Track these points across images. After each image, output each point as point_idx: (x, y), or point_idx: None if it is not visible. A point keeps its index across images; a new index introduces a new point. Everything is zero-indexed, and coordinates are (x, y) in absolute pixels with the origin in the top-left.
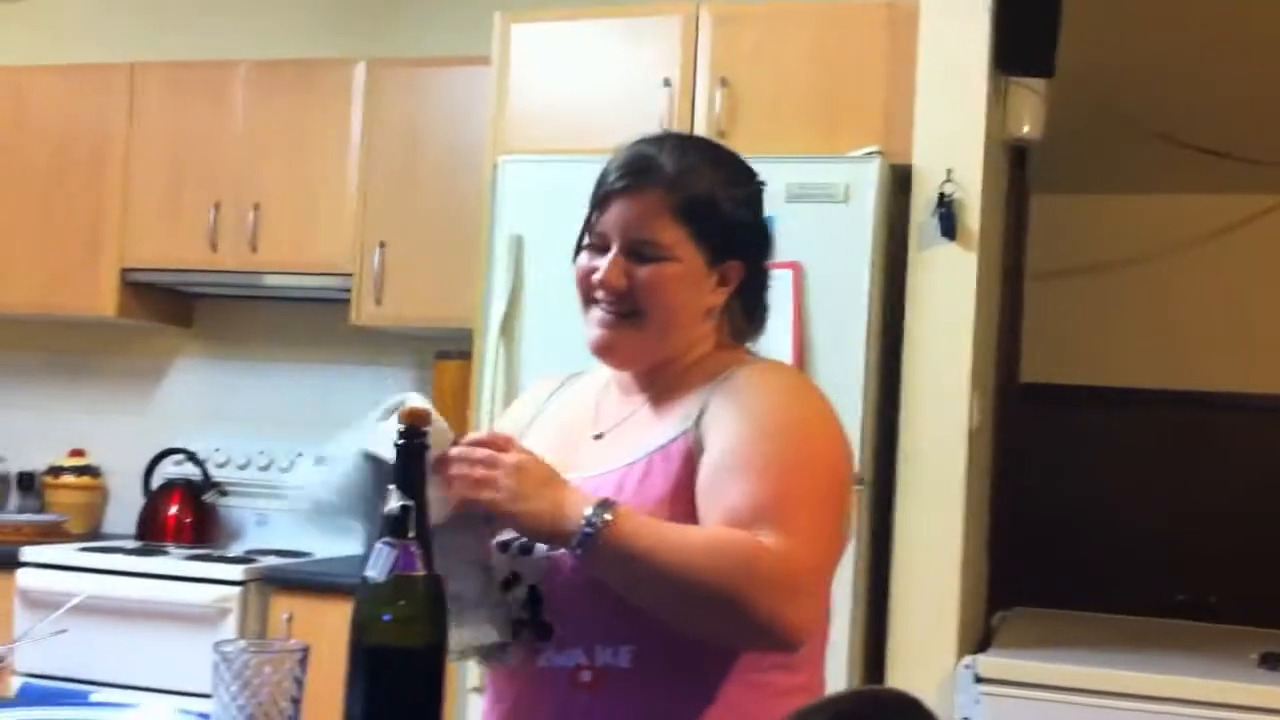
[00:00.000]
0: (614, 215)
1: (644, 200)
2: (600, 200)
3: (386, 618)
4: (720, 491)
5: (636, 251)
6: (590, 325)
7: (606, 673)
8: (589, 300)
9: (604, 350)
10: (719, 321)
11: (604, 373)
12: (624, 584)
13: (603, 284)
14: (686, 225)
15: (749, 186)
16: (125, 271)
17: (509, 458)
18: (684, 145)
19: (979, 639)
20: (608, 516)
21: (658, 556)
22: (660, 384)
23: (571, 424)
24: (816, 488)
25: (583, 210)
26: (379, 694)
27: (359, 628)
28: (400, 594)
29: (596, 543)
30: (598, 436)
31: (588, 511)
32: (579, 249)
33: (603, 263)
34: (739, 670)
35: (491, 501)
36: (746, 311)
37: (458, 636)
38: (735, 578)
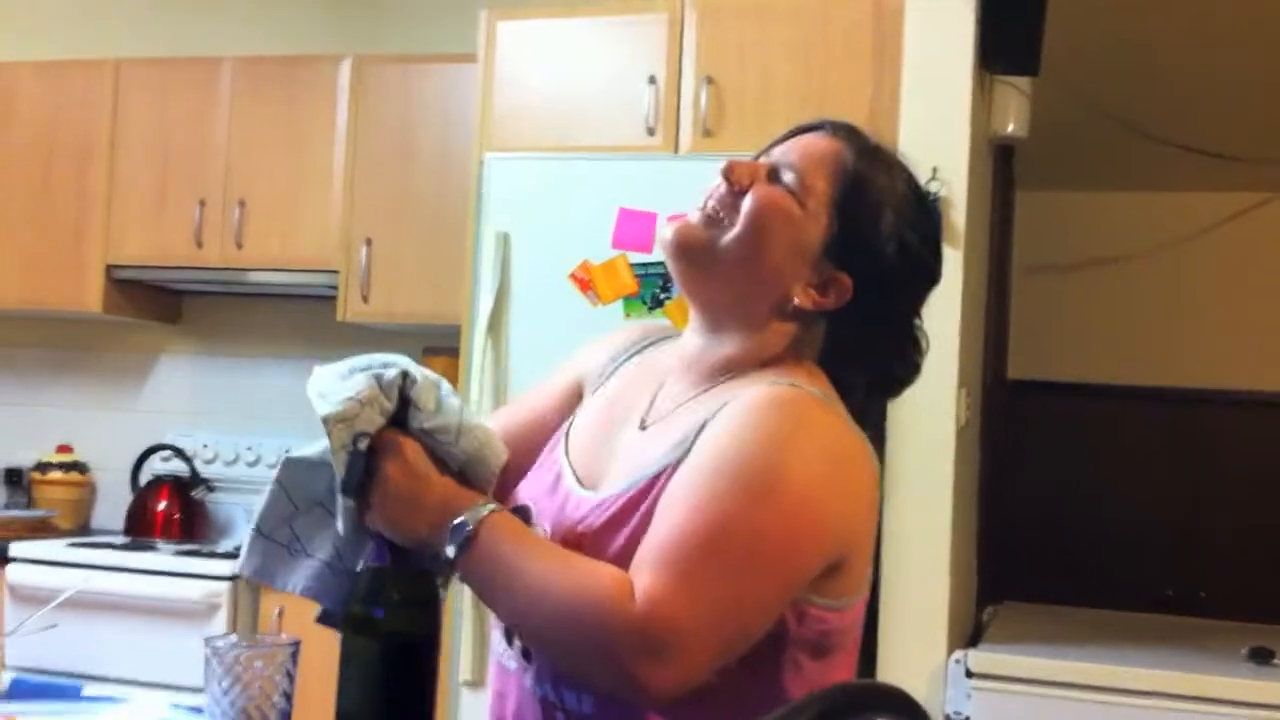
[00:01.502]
0: (788, 143)
1: (824, 142)
2: (789, 134)
3: (379, 612)
4: (658, 518)
5: (777, 173)
6: (673, 223)
7: (578, 715)
8: (705, 199)
9: (676, 240)
10: (803, 341)
11: (684, 345)
12: (481, 594)
13: (727, 169)
14: (838, 190)
15: (923, 248)
16: (111, 268)
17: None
18: (900, 163)
19: (969, 634)
20: (470, 532)
21: (515, 593)
22: (717, 382)
23: (628, 400)
24: (741, 544)
25: (569, 208)
26: (372, 686)
27: (350, 620)
28: (390, 586)
29: (462, 563)
30: (642, 427)
31: (452, 533)
32: None
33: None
34: (715, 714)
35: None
36: (832, 355)
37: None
38: (587, 628)
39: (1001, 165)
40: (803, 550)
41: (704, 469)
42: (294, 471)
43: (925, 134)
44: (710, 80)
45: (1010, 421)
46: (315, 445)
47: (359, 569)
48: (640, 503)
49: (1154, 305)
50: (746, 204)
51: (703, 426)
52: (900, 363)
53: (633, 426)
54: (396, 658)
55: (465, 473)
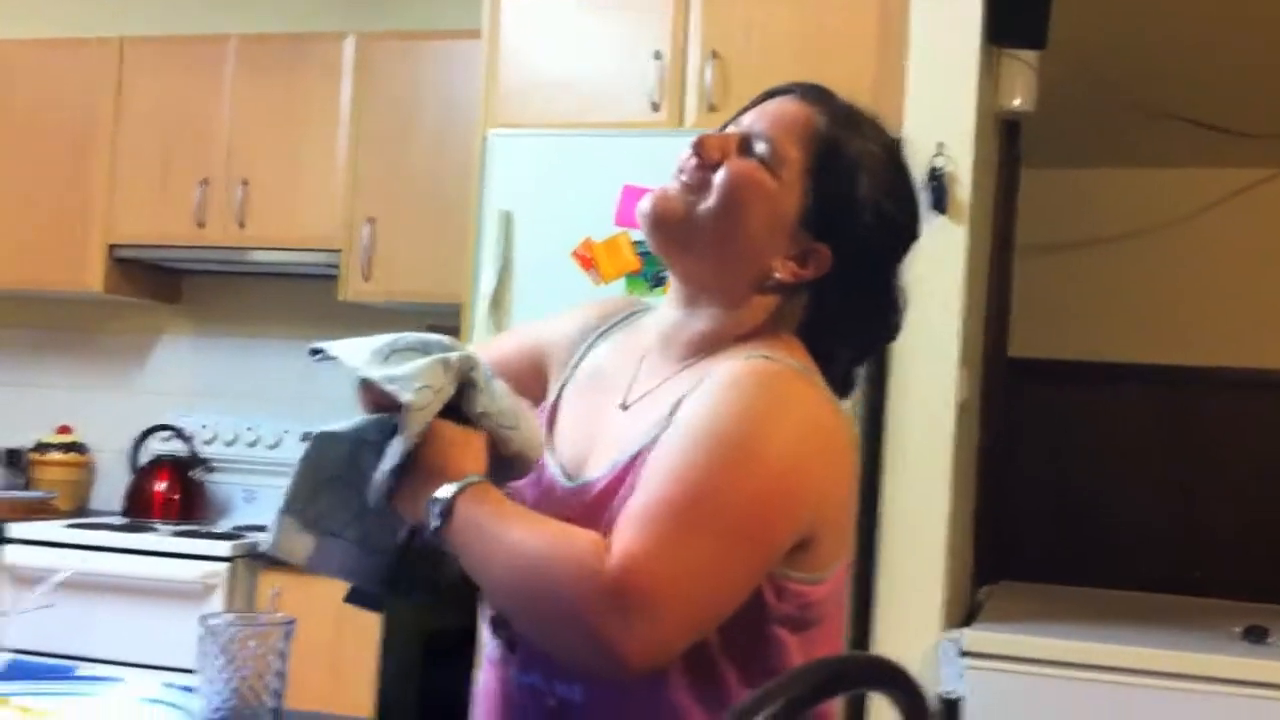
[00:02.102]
0: (759, 109)
1: (795, 108)
2: (760, 98)
3: (417, 595)
4: (638, 487)
5: (749, 144)
6: (650, 193)
7: (568, 704)
8: (678, 169)
9: (652, 215)
10: (782, 313)
11: (661, 320)
12: (466, 565)
13: (697, 144)
14: (811, 159)
15: (902, 212)
16: (112, 248)
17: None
18: (874, 121)
19: (965, 613)
20: (447, 503)
21: (489, 542)
22: (697, 358)
23: (605, 380)
24: (718, 512)
25: (573, 185)
26: (413, 665)
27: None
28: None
29: (446, 532)
30: (624, 407)
31: (435, 504)
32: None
33: None
34: (704, 702)
35: None
36: (814, 327)
37: (324, 556)
38: (560, 591)
39: (1007, 141)
40: (777, 521)
41: (682, 440)
42: (323, 448)
43: (931, 108)
44: (715, 55)
45: (1011, 400)
46: (347, 421)
47: (394, 545)
48: (620, 484)
49: (1158, 283)
50: (719, 178)
51: (679, 403)
52: (882, 325)
53: (614, 407)
54: (435, 641)
55: (520, 455)
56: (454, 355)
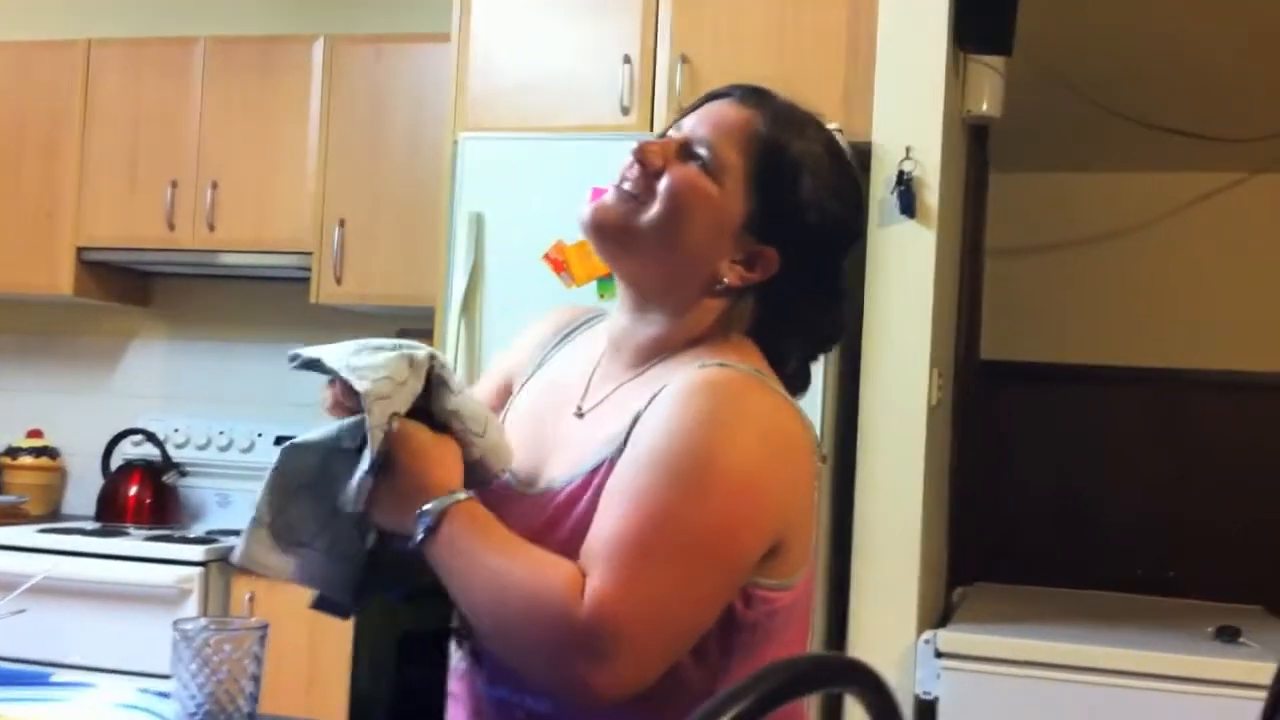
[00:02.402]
0: (699, 113)
1: (735, 112)
2: (700, 101)
3: (394, 596)
4: (600, 513)
5: (690, 149)
6: (592, 201)
7: (537, 715)
8: (620, 176)
9: (592, 223)
10: (731, 316)
11: (612, 326)
12: (445, 581)
13: (638, 151)
14: (753, 162)
15: (844, 206)
16: (81, 250)
17: None
18: (814, 118)
19: (939, 614)
20: (432, 520)
21: (471, 566)
22: (648, 364)
23: (562, 387)
24: (686, 540)
25: (543, 188)
26: (387, 669)
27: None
28: (404, 569)
29: (428, 547)
30: (579, 415)
31: (422, 519)
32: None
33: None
34: (671, 709)
35: None
36: (763, 328)
37: (282, 563)
38: (537, 625)
39: (975, 146)
40: (745, 537)
41: (640, 462)
42: (292, 458)
43: (899, 114)
44: (685, 59)
45: (983, 402)
46: (317, 430)
47: (366, 553)
48: (579, 498)
49: (1128, 286)
50: (662, 187)
51: (636, 418)
52: (830, 321)
53: (569, 414)
54: (408, 641)
55: (482, 462)
56: (420, 351)
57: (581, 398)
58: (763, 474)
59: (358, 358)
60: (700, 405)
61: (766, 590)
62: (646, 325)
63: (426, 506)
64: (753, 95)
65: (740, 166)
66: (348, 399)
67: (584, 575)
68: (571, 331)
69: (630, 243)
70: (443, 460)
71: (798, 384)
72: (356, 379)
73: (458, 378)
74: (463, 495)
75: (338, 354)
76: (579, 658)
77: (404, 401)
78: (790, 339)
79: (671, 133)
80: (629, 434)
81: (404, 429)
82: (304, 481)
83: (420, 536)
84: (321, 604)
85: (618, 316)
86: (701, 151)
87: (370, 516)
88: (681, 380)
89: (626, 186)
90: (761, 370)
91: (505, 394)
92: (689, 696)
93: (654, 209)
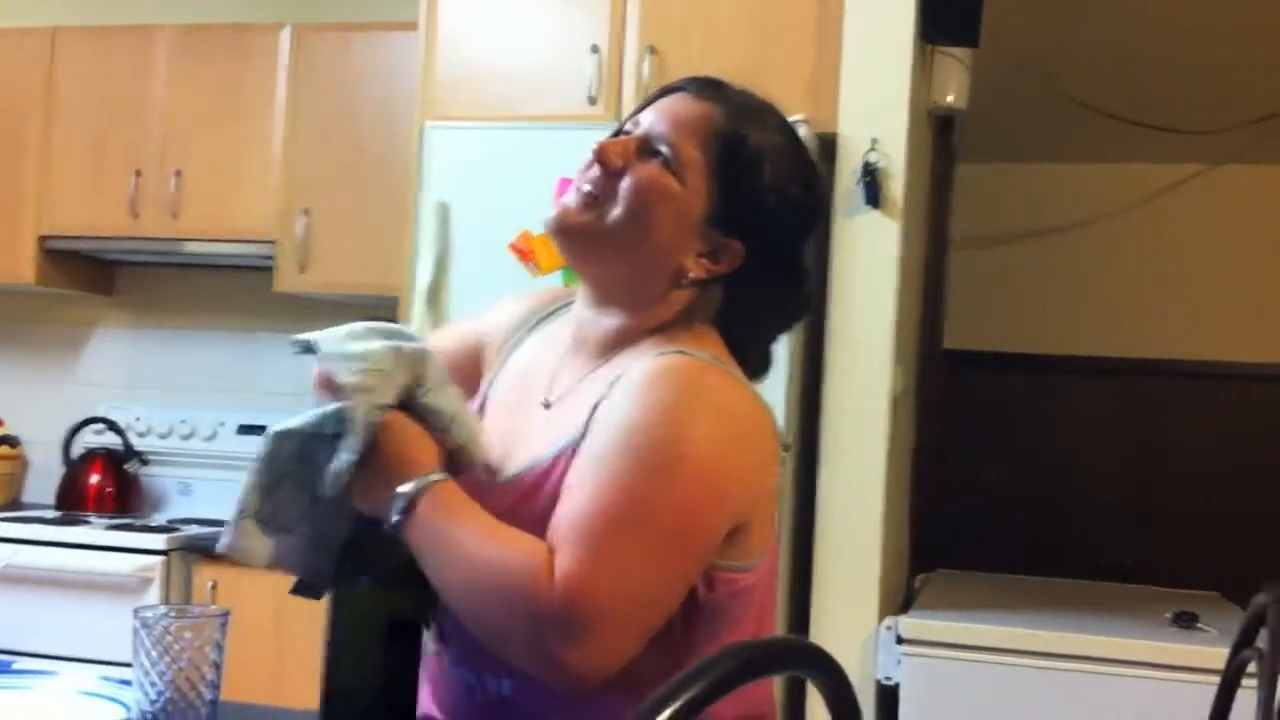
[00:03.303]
0: (656, 109)
1: (692, 106)
2: (655, 96)
3: (368, 580)
4: (565, 497)
5: (650, 147)
6: (557, 203)
7: (497, 698)
8: (581, 176)
9: (557, 227)
10: (696, 305)
11: (576, 317)
12: (422, 562)
13: (598, 151)
14: (713, 157)
15: (804, 191)
16: (44, 239)
17: None
18: (768, 104)
19: (901, 600)
20: (409, 501)
21: (445, 546)
22: (611, 354)
23: (532, 376)
24: (652, 522)
25: (510, 177)
26: (365, 657)
27: (343, 589)
28: (381, 553)
29: (404, 528)
30: (546, 405)
31: (397, 500)
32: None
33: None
34: (629, 691)
35: None
36: (730, 318)
37: (271, 550)
38: (510, 606)
39: (941, 137)
40: (709, 519)
41: (603, 449)
42: (275, 446)
43: (865, 105)
44: (653, 50)
45: (946, 391)
46: (298, 417)
47: (343, 537)
48: (541, 486)
49: (1092, 276)
50: (624, 187)
51: (595, 407)
52: (795, 304)
53: (537, 405)
54: (389, 626)
55: (459, 453)
56: (407, 346)
57: (548, 389)
58: (723, 456)
59: (351, 344)
60: (659, 391)
61: (728, 572)
62: (610, 317)
63: (403, 488)
64: (709, 88)
65: (701, 161)
66: (328, 388)
67: (550, 558)
68: (546, 316)
69: (596, 245)
70: (421, 446)
71: (760, 367)
72: (344, 370)
73: (439, 367)
74: (438, 477)
75: (333, 339)
76: (551, 638)
77: (389, 394)
78: (757, 324)
79: (629, 127)
80: (589, 422)
81: (385, 418)
82: (287, 469)
83: (396, 518)
84: (300, 588)
85: (580, 309)
86: (662, 149)
87: (350, 500)
88: (639, 368)
89: (588, 188)
90: (720, 358)
91: (473, 356)
92: (650, 680)
93: (617, 210)
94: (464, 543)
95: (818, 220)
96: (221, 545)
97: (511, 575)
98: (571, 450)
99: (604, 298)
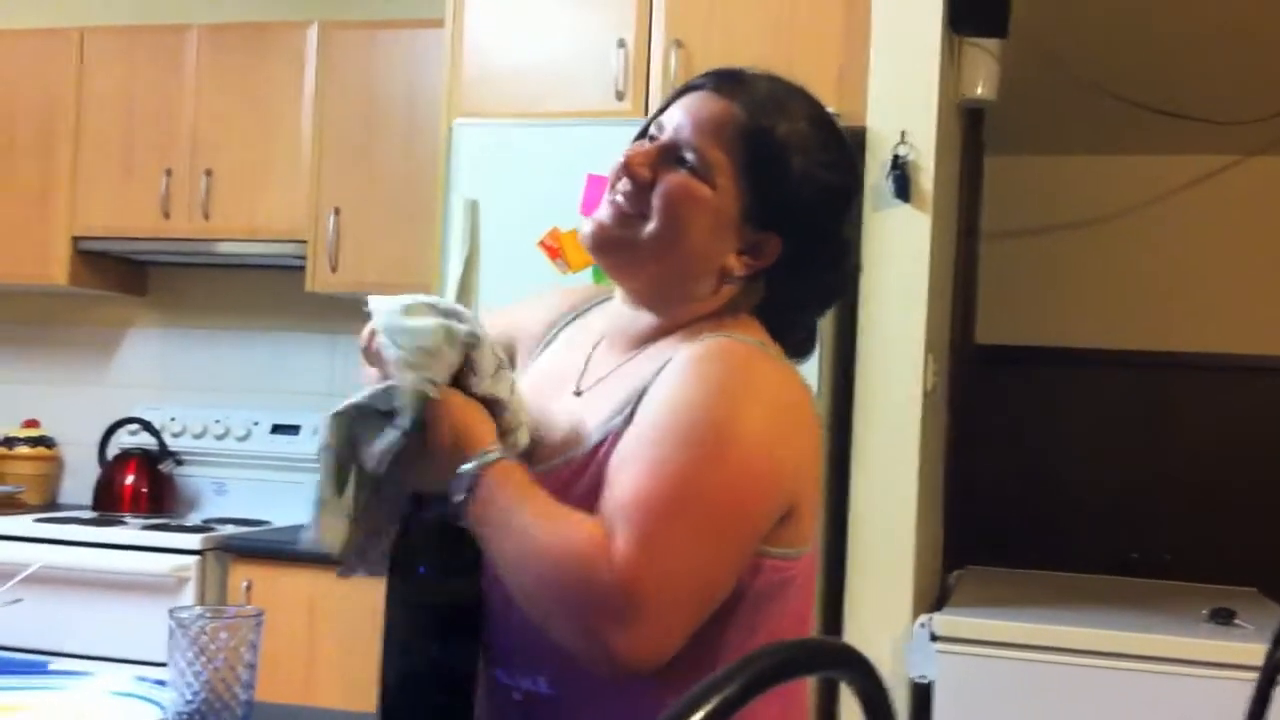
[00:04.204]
0: (677, 110)
1: (714, 105)
2: (676, 94)
3: (423, 569)
4: (613, 478)
5: (676, 154)
6: (590, 219)
7: (533, 696)
8: (610, 188)
9: (594, 244)
10: (740, 302)
11: (614, 313)
12: (480, 537)
13: (625, 164)
14: (741, 156)
15: (838, 174)
16: (76, 240)
17: None
18: (791, 89)
19: (935, 598)
20: (474, 478)
21: (505, 523)
22: (649, 345)
23: (564, 366)
24: (705, 503)
25: (538, 174)
26: (418, 644)
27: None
28: (438, 541)
29: (468, 505)
30: (577, 393)
31: (460, 481)
32: (636, 139)
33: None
34: (667, 692)
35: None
36: (773, 309)
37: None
38: (566, 588)
39: (970, 129)
40: (760, 503)
41: (654, 430)
42: (332, 429)
43: (894, 97)
44: (679, 44)
45: (978, 386)
46: (350, 398)
47: (398, 522)
48: (584, 472)
49: (1122, 270)
50: (657, 199)
51: (643, 392)
52: (840, 281)
53: (567, 393)
54: (447, 616)
55: (507, 439)
56: (460, 326)
57: (580, 378)
58: (774, 442)
59: (404, 319)
60: (710, 373)
61: (775, 559)
62: (652, 315)
63: (465, 466)
64: (729, 83)
65: (728, 162)
66: (378, 363)
67: (606, 541)
68: (582, 313)
69: (634, 260)
70: (477, 423)
71: (806, 347)
72: (392, 344)
73: (495, 356)
74: (498, 453)
75: (388, 309)
76: (605, 621)
77: (438, 372)
78: (800, 309)
79: (652, 130)
80: (635, 407)
81: (438, 395)
82: (345, 455)
83: (461, 496)
84: (350, 570)
85: (622, 307)
86: (688, 155)
87: (406, 479)
88: (688, 351)
89: (620, 200)
90: (765, 343)
91: (505, 345)
92: (688, 673)
93: (652, 224)
94: (524, 521)
95: (855, 197)
96: (306, 539)
97: (569, 556)
98: (615, 436)
99: (646, 303)
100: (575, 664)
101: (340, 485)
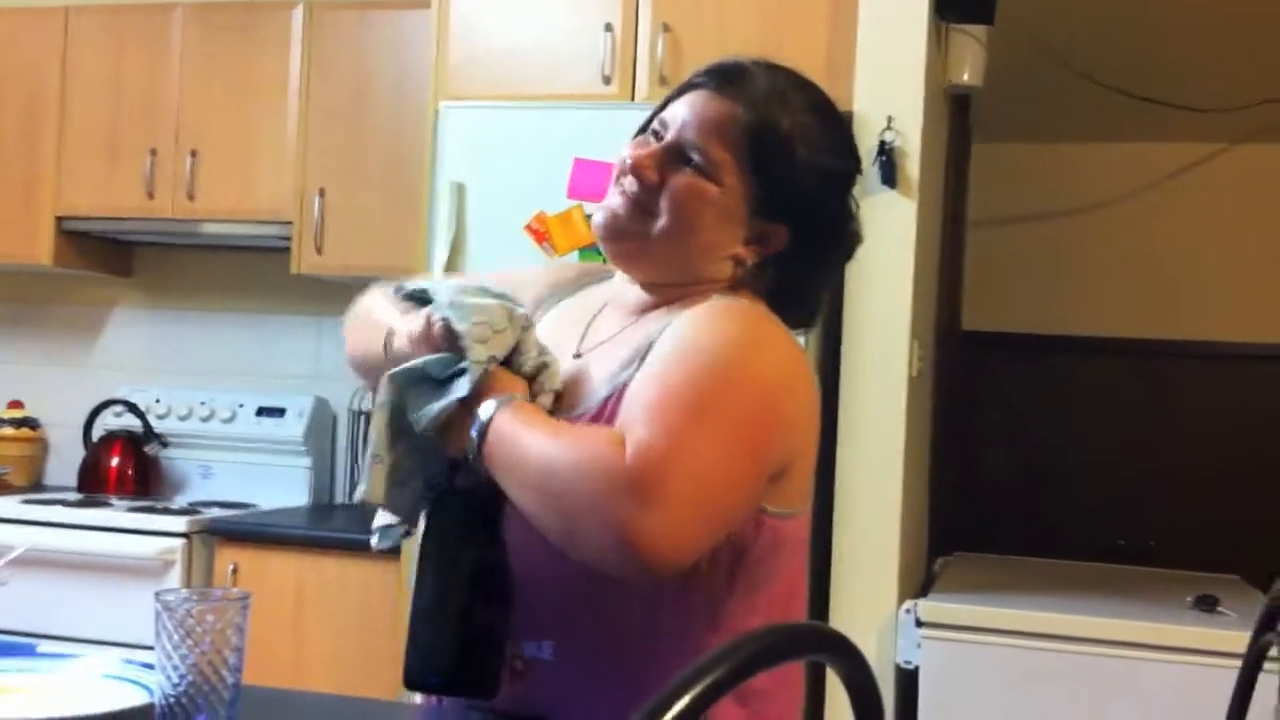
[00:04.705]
0: (680, 108)
1: (717, 105)
2: (679, 91)
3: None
4: (638, 387)
5: (682, 154)
6: (604, 206)
7: (534, 664)
8: (617, 182)
9: (605, 232)
10: (746, 282)
11: (614, 290)
12: (500, 478)
13: (633, 170)
14: (745, 154)
15: (840, 160)
16: (61, 220)
17: None
18: (793, 79)
19: (920, 584)
20: (486, 419)
21: (520, 447)
22: (654, 310)
23: (558, 336)
24: (721, 419)
25: (525, 158)
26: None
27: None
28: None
29: (484, 451)
30: (576, 355)
31: (475, 425)
32: (638, 133)
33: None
34: (667, 659)
35: None
36: (781, 292)
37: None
38: (584, 480)
39: (957, 116)
40: (770, 437)
41: (671, 359)
42: (390, 394)
43: (880, 84)
44: (667, 28)
45: (964, 372)
46: (407, 364)
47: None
48: (597, 424)
49: (1109, 257)
50: (666, 199)
51: (649, 347)
52: (844, 253)
53: (566, 356)
54: (475, 581)
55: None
56: (518, 309)
57: (578, 344)
58: (783, 390)
59: (462, 297)
60: (724, 322)
61: (772, 517)
62: (657, 294)
63: (480, 411)
64: (729, 81)
65: (734, 161)
66: (443, 336)
67: (623, 435)
68: (574, 291)
69: (644, 251)
70: (512, 386)
71: (814, 319)
72: (461, 320)
73: (538, 340)
74: (515, 395)
75: (443, 291)
76: (627, 506)
77: (500, 349)
78: (810, 285)
79: (655, 127)
80: (643, 359)
81: (494, 369)
82: (399, 420)
83: (475, 441)
84: (383, 539)
85: (626, 285)
86: (694, 156)
87: (448, 445)
88: (703, 306)
89: (634, 191)
90: (770, 314)
91: None
92: (691, 633)
93: (663, 222)
94: (540, 441)
95: (857, 175)
96: (358, 495)
97: (588, 457)
98: (622, 389)
99: (655, 290)
100: (580, 627)
101: (392, 444)
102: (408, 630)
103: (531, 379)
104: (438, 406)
